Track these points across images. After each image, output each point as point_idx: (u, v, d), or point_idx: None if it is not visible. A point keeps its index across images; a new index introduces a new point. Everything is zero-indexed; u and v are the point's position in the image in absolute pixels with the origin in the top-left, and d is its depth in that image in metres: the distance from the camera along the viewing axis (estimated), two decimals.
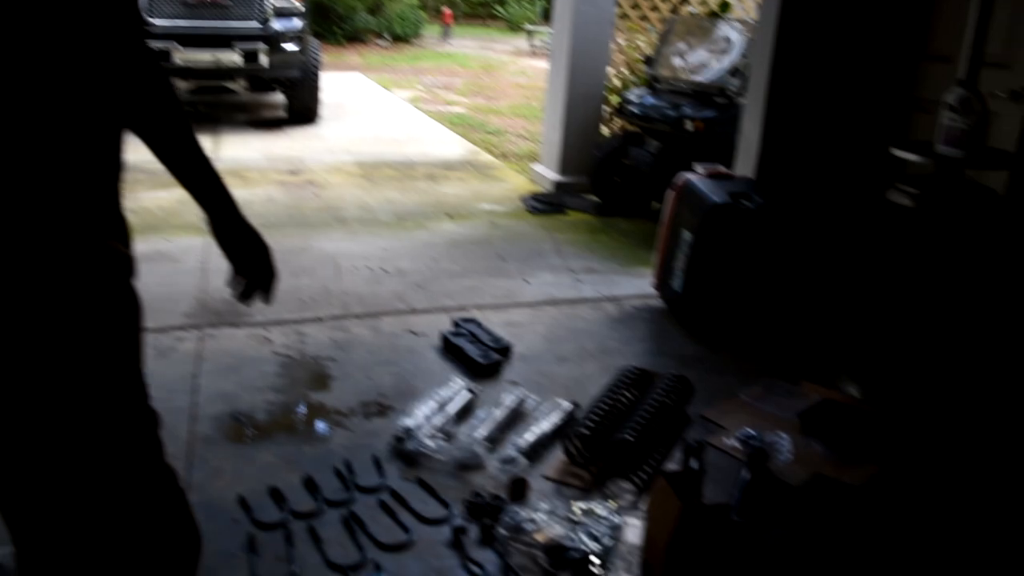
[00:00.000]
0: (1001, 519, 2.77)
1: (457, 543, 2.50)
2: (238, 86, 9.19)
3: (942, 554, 2.56)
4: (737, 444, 3.06)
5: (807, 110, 4.44)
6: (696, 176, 4.27)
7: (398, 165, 7.77)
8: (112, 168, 1.44)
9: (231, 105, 10.34)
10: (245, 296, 1.83)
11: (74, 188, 1.36)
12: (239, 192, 6.60)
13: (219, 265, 4.78)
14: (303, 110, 9.34)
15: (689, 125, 5.55)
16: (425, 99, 12.90)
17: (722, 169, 4.37)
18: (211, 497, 2.69)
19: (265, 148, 8.09)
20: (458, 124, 10.53)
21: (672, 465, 2.97)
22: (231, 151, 7.85)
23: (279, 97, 9.71)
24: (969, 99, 3.13)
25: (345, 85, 13.30)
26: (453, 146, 9.04)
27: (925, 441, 3.18)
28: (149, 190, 5.97)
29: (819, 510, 2.65)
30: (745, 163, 4.56)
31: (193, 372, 3.50)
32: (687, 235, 4.10)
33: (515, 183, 7.33)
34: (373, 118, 10.45)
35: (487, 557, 2.45)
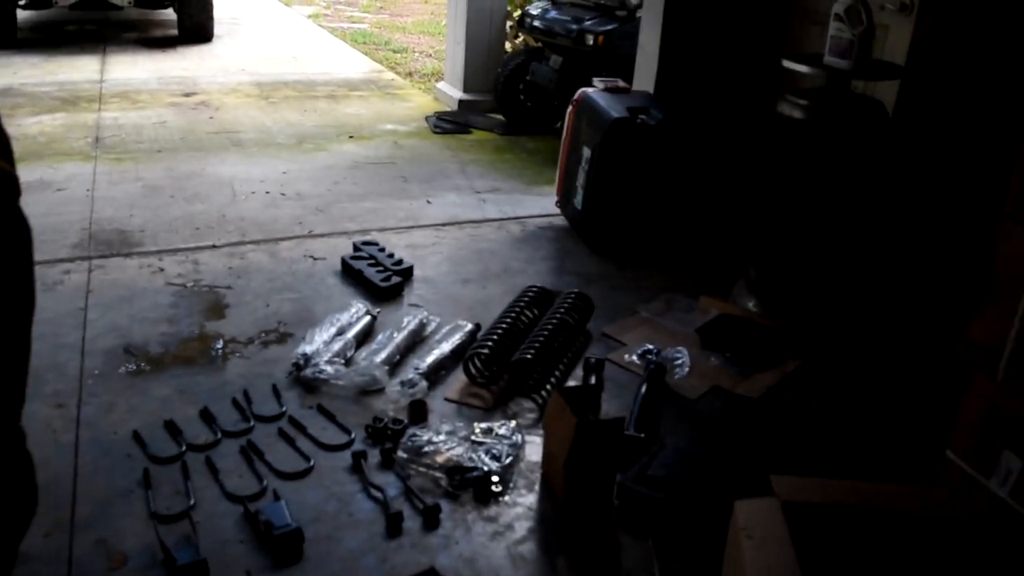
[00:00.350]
0: (891, 423, 2.90)
1: (357, 468, 2.50)
2: (124, 2, 8.69)
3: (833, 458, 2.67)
4: (636, 360, 3.11)
5: (704, 22, 4.41)
6: (595, 91, 4.23)
7: (298, 85, 7.52)
8: None
9: (118, 23, 9.80)
10: None
11: None
12: (129, 115, 6.35)
13: (108, 193, 4.58)
14: (196, 28, 8.90)
15: (590, 39, 5.48)
16: (327, 15, 12.45)
17: (621, 83, 4.35)
18: (103, 433, 2.62)
19: (156, 69, 7.71)
20: (361, 42, 10.22)
21: (573, 382, 3.01)
22: (119, 72, 7.46)
23: (170, 14, 9.23)
24: (856, 8, 3.15)
25: (241, 1, 12.72)
26: (356, 65, 8.77)
27: (820, 351, 3.29)
28: (31, 115, 5.66)
29: (715, 421, 2.73)
30: (644, 77, 4.53)
31: (82, 305, 3.37)
32: (587, 152, 4.08)
33: (420, 102, 7.18)
34: (272, 36, 10.04)
35: (388, 481, 2.46)
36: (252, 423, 2.69)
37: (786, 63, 3.45)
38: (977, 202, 3.45)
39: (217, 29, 9.21)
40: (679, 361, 3.07)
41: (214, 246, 3.97)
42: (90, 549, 2.18)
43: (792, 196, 3.42)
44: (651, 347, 3.13)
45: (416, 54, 9.66)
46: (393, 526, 2.28)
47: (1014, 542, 1.78)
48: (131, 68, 7.67)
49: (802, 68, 3.37)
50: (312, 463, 2.52)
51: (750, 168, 4.56)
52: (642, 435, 2.61)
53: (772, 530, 1.80)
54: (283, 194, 4.70)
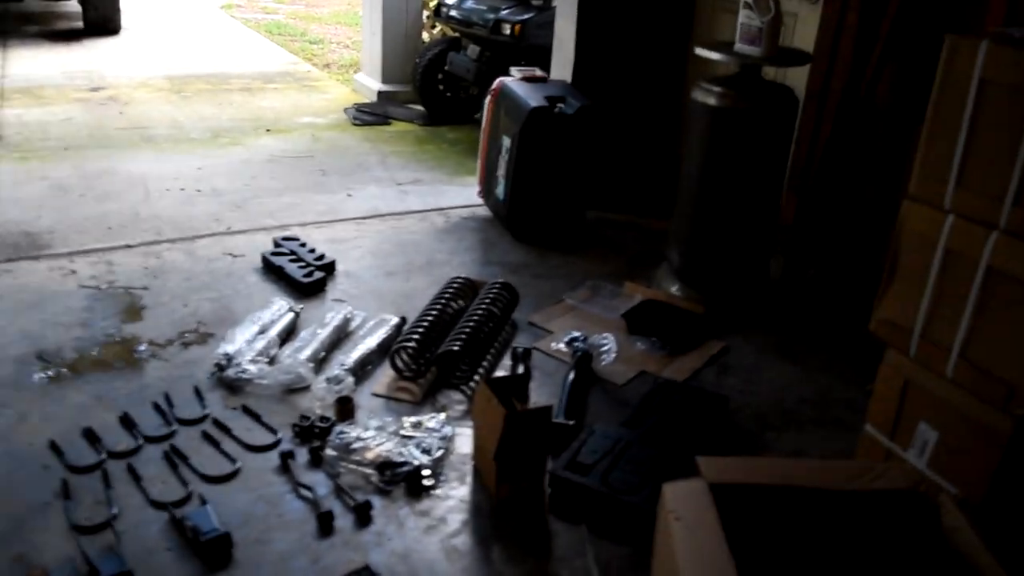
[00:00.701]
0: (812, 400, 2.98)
1: (285, 468, 2.46)
2: None
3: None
4: (563, 347, 3.12)
5: (618, 10, 4.45)
6: (512, 80, 4.23)
7: (211, 78, 7.33)
8: None
9: (20, 16, 9.39)
10: None
11: None
12: (33, 112, 6.10)
13: (13, 194, 4.39)
14: (102, 20, 8.61)
15: (507, 28, 5.48)
16: (239, 6, 12.16)
17: (538, 72, 4.36)
18: (17, 445, 2.53)
19: (62, 63, 7.43)
20: (277, 33, 10.02)
21: (501, 372, 3.01)
22: (22, 67, 7.17)
23: (74, 6, 8.90)
24: None
25: None
26: (271, 56, 8.60)
27: (742, 333, 3.36)
28: None
29: (642, 405, 2.76)
30: (561, 65, 4.55)
31: None
32: (507, 141, 4.08)
33: (337, 94, 7.08)
34: (183, 28, 9.77)
35: (317, 480, 2.43)
36: (174, 427, 2.63)
37: (698, 50, 3.51)
38: (886, 184, 3.56)
39: (125, 21, 8.92)
40: (606, 347, 3.09)
41: (128, 246, 3.86)
42: (8, 565, 2.10)
43: (707, 180, 3.48)
44: (577, 334, 3.15)
45: (333, 45, 9.52)
46: (324, 525, 2.26)
47: (932, 513, 1.85)
48: (34, 62, 7.39)
49: (714, 55, 3.42)
50: (238, 465, 2.47)
51: (667, 153, 4.64)
52: (571, 422, 2.63)
53: (700, 512, 1.84)
54: (199, 190, 4.59)
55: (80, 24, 8.77)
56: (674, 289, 3.62)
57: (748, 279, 3.58)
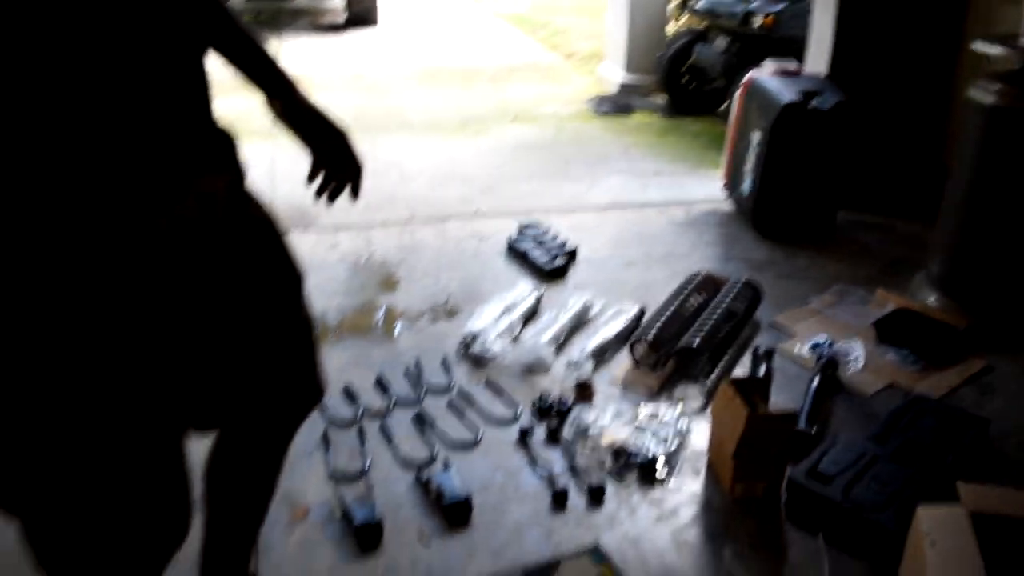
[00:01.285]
0: None
1: (524, 444, 2.55)
2: None
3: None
4: (806, 352, 3.02)
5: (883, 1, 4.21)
6: (765, 74, 4.12)
7: (461, 67, 7.66)
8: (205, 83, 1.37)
9: (291, 11, 10.25)
10: (330, 192, 1.59)
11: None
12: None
13: (287, 169, 4.78)
14: (362, 12, 9.24)
15: (757, 20, 5.33)
16: None
17: (793, 66, 4.21)
18: None
19: (327, 53, 8.05)
20: (521, 23, 10.30)
21: (740, 371, 2.96)
22: (294, 57, 7.81)
23: (338, 1, 9.59)
24: None
25: None
26: (517, 47, 8.86)
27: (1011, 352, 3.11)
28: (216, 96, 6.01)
29: (893, 419, 2.62)
30: (817, 59, 4.36)
31: None
32: (756, 136, 3.98)
33: (581, 84, 7.19)
34: (435, 19, 10.27)
35: (553, 458, 2.50)
36: (423, 393, 2.79)
37: (977, 45, 3.26)
38: None
39: (383, 14, 9.48)
40: (853, 355, 2.96)
41: (385, 224, 4.12)
42: (277, 503, 2.29)
43: (980, 185, 3.23)
44: (822, 339, 3.03)
45: (576, 35, 9.65)
46: (559, 502, 2.32)
47: None
48: (304, 53, 8.02)
49: (998, 51, 3.17)
50: (481, 435, 2.59)
51: (929, 154, 4.35)
52: (813, 430, 2.55)
53: (957, 540, 1.73)
54: (449, 174, 4.82)
55: (343, 18, 9.42)
56: (931, 300, 3.40)
57: (1018, 293, 3.30)
